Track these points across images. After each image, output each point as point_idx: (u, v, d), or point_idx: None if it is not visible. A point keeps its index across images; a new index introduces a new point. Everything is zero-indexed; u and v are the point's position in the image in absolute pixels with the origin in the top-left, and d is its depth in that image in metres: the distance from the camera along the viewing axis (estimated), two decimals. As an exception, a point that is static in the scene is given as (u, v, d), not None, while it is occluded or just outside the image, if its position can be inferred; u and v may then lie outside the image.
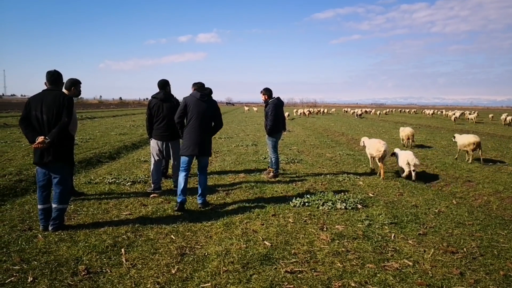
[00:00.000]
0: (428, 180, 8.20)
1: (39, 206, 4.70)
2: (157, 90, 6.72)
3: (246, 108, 59.88)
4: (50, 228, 4.62)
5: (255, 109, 59.47)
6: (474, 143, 10.10)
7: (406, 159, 7.95)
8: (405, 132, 13.67)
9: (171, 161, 7.00)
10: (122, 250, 4.09)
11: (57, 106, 4.48)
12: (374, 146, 8.45)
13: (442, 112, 52.76)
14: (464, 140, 10.48)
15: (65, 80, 5.13)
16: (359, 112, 44.09)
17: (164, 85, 6.71)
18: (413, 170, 7.88)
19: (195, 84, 6.04)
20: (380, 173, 8.30)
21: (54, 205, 4.66)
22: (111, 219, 5.10)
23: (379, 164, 8.31)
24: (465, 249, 4.24)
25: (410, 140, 13.47)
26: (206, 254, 4.03)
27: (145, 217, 5.18)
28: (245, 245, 4.24)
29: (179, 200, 5.59)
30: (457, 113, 34.84)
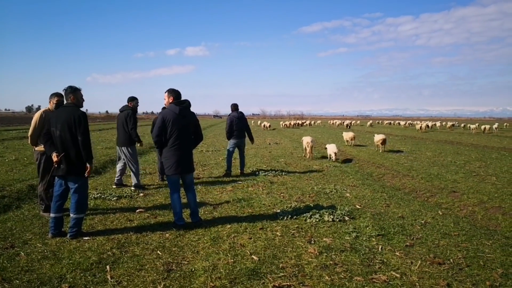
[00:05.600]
0: (346, 162, 13.14)
1: (51, 215, 4.94)
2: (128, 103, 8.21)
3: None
4: (68, 235, 4.87)
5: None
6: (381, 139, 15.91)
7: (331, 149, 13.15)
8: (349, 135, 18.85)
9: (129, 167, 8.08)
10: (107, 267, 4.01)
11: (68, 122, 4.78)
12: (305, 140, 14.06)
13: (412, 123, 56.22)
14: (376, 137, 16.40)
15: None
16: (346, 123, 45.57)
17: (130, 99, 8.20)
18: (335, 156, 12.92)
19: (172, 92, 5.59)
20: (308, 156, 13.68)
21: (71, 215, 4.90)
22: (96, 235, 5.01)
23: (309, 150, 13.69)
24: (451, 260, 4.27)
25: (351, 141, 18.59)
26: (193, 269, 3.98)
27: (131, 233, 5.10)
28: (232, 260, 4.20)
29: (179, 223, 5.39)
30: (423, 124, 39.72)
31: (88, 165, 4.88)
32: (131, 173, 8.07)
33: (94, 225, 5.49)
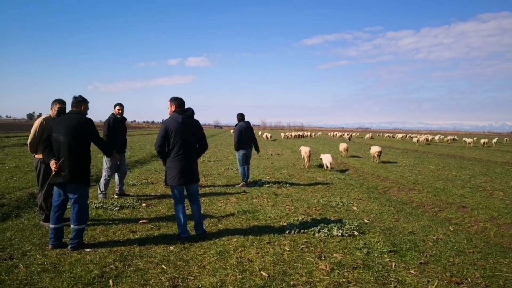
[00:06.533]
0: (340, 171, 13.97)
1: (51, 226, 4.77)
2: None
3: (232, 131, 61.62)
4: (69, 247, 4.69)
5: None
6: (377, 151, 16.94)
7: (326, 159, 13.72)
8: (343, 146, 20.38)
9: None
10: (110, 281, 3.83)
11: (74, 128, 4.67)
12: (303, 150, 14.60)
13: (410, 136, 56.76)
14: (372, 149, 17.42)
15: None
16: (348, 135, 46.00)
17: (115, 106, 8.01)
18: (330, 165, 13.47)
19: (174, 100, 5.38)
20: (307, 165, 14.27)
21: (72, 226, 4.74)
22: (98, 247, 4.83)
23: (306, 160, 14.32)
24: (469, 279, 4.09)
25: (345, 152, 20.03)
26: (199, 286, 3.79)
27: (134, 245, 4.91)
28: (241, 276, 4.02)
29: (183, 236, 5.19)
30: (421, 138, 41.55)
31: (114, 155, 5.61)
32: (102, 179, 7.87)
33: (95, 236, 5.31)
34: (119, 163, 7.85)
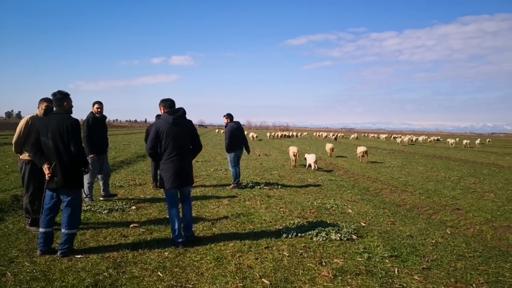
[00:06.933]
0: (327, 171, 13.89)
1: (41, 229, 4.54)
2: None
3: (216, 131, 62.23)
4: (59, 253, 4.48)
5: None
6: (362, 151, 17.14)
7: (310, 158, 13.93)
8: (328, 146, 20.44)
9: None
10: (104, 291, 3.64)
11: (60, 131, 4.42)
12: (291, 150, 14.91)
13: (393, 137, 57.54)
14: (358, 149, 17.59)
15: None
16: (334, 136, 46.26)
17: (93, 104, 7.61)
18: (315, 164, 13.65)
19: (163, 102, 5.29)
20: (294, 164, 14.55)
21: (63, 230, 4.53)
22: (89, 252, 4.61)
23: (294, 159, 14.58)
24: (474, 285, 4.01)
25: (331, 152, 20.11)
26: (199, 294, 3.63)
27: (127, 250, 4.70)
28: (241, 284, 3.86)
29: (177, 240, 4.99)
30: (405, 138, 42.65)
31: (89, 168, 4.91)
32: (85, 183, 7.32)
33: (85, 241, 5.08)
34: (101, 164, 7.61)
